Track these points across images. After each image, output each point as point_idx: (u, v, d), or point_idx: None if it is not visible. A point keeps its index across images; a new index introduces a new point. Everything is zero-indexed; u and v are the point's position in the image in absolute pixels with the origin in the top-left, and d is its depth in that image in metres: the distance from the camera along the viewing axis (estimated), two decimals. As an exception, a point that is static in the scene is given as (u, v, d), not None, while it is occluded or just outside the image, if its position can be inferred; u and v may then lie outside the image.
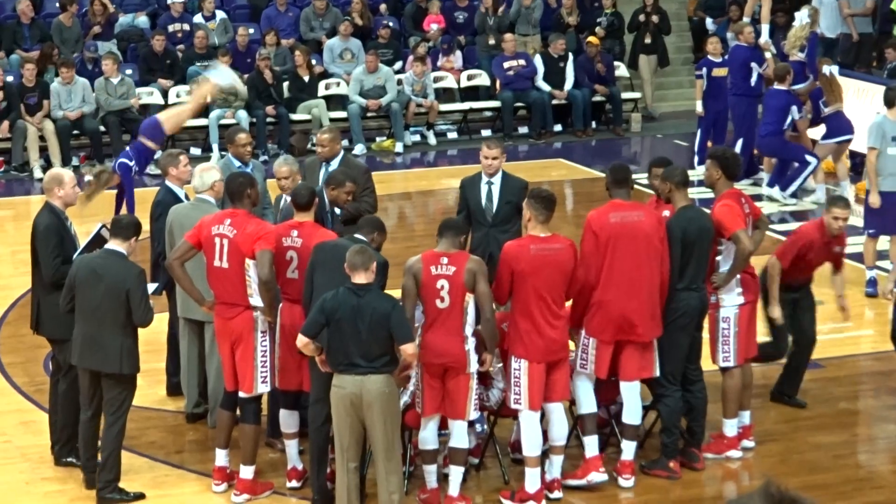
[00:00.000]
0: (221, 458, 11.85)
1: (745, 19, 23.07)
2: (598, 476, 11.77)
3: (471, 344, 11.03)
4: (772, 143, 20.72)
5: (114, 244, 11.47)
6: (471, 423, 11.48)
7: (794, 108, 20.54)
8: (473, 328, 11.07)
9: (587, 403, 11.83)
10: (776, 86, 20.50)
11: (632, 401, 11.86)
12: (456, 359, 11.00)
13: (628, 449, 11.93)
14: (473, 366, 11.04)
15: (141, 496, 11.75)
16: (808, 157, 20.60)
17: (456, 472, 11.33)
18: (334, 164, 13.62)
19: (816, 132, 21.20)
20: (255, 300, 11.40)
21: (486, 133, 25.44)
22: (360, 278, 10.53)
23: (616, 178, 11.82)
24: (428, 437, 11.35)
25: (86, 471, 11.86)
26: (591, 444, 11.82)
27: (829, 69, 20.81)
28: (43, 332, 12.32)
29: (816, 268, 13.29)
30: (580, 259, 11.48)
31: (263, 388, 11.60)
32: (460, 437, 11.27)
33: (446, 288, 10.95)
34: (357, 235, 11.37)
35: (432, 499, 11.45)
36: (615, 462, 11.95)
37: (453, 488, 11.33)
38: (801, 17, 21.25)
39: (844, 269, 13.59)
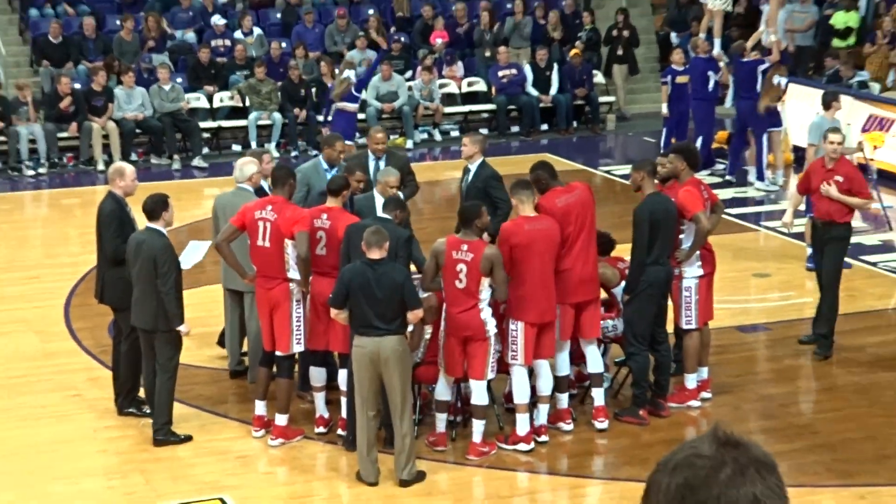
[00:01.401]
0: (260, 408, 11.90)
1: (702, 34, 23.02)
2: (565, 426, 11.92)
3: (486, 313, 11.11)
4: (747, 108, 20.70)
5: (151, 223, 11.58)
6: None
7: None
8: (488, 301, 11.14)
9: (563, 367, 11.89)
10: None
11: (592, 354, 11.97)
12: (476, 329, 11.10)
13: (598, 395, 12.01)
14: (491, 331, 11.13)
15: (189, 438, 11.83)
16: (764, 138, 20.59)
17: (478, 425, 11.41)
18: (383, 158, 13.64)
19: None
20: (293, 273, 11.45)
21: (483, 131, 25.36)
22: (375, 254, 10.60)
23: (551, 172, 11.91)
24: (442, 390, 11.47)
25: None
26: (563, 399, 11.97)
27: (779, 80, 20.69)
28: (106, 301, 12.36)
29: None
30: None
31: (298, 348, 11.64)
32: (480, 395, 11.34)
33: (464, 271, 11.01)
34: (382, 214, 11.42)
35: (439, 441, 11.53)
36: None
37: (477, 437, 11.42)
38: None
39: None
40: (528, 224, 11.34)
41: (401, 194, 12.22)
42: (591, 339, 11.97)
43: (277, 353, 11.64)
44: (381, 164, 13.48)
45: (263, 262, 11.56)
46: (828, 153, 13.64)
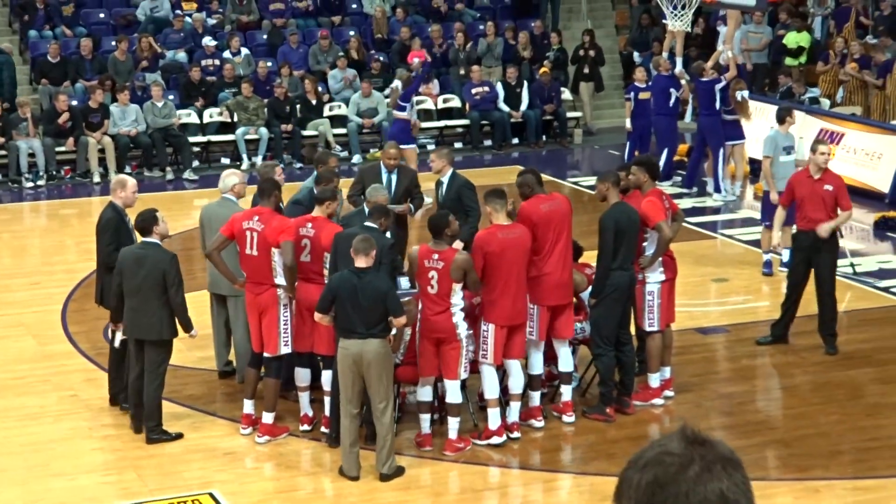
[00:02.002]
0: (248, 406, 11.84)
1: (664, 54, 23.04)
2: (536, 423, 11.87)
3: (458, 317, 11.07)
4: (707, 124, 20.71)
5: (146, 238, 11.50)
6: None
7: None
8: (461, 306, 11.10)
9: (536, 367, 11.86)
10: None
11: (564, 354, 11.95)
12: (448, 332, 11.06)
13: (566, 392, 12.01)
14: (463, 333, 11.10)
15: (180, 435, 11.76)
16: (720, 152, 20.58)
17: (453, 422, 11.39)
18: (395, 171, 13.88)
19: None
20: (280, 280, 11.43)
21: (458, 145, 25.42)
22: (361, 262, 10.58)
23: (538, 178, 11.94)
24: (424, 391, 11.41)
25: (134, 419, 11.84)
26: (535, 397, 11.93)
27: (742, 94, 20.63)
28: (105, 305, 12.28)
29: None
30: None
31: (285, 350, 11.59)
32: (454, 394, 11.32)
33: (436, 278, 11.00)
34: (368, 223, 11.40)
35: (425, 441, 11.49)
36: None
37: (452, 433, 11.39)
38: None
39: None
40: (501, 233, 11.31)
41: (395, 207, 12.27)
42: (563, 340, 11.93)
43: (266, 354, 11.58)
44: (394, 177, 13.81)
45: (252, 269, 11.53)
46: (818, 164, 13.56)
